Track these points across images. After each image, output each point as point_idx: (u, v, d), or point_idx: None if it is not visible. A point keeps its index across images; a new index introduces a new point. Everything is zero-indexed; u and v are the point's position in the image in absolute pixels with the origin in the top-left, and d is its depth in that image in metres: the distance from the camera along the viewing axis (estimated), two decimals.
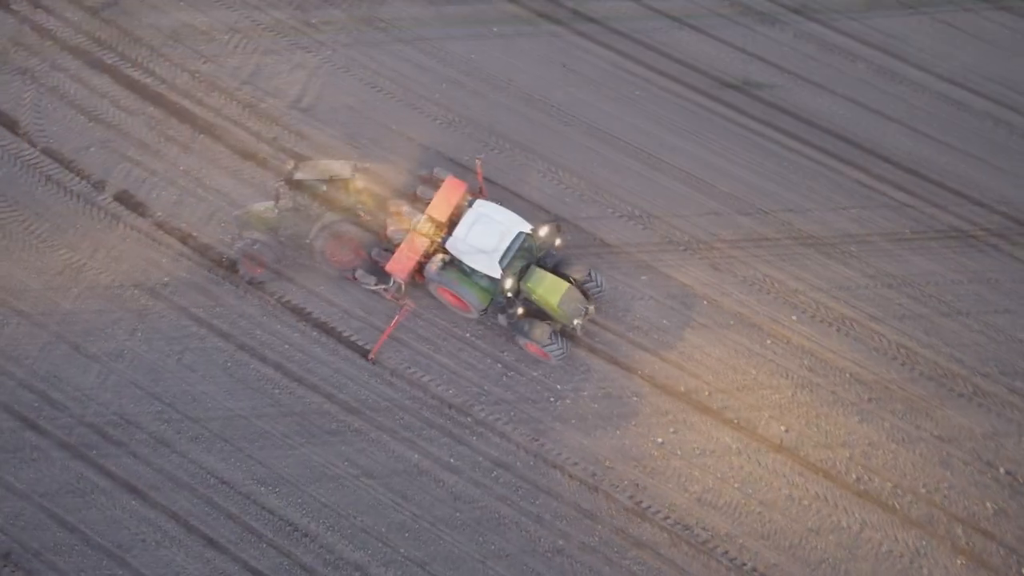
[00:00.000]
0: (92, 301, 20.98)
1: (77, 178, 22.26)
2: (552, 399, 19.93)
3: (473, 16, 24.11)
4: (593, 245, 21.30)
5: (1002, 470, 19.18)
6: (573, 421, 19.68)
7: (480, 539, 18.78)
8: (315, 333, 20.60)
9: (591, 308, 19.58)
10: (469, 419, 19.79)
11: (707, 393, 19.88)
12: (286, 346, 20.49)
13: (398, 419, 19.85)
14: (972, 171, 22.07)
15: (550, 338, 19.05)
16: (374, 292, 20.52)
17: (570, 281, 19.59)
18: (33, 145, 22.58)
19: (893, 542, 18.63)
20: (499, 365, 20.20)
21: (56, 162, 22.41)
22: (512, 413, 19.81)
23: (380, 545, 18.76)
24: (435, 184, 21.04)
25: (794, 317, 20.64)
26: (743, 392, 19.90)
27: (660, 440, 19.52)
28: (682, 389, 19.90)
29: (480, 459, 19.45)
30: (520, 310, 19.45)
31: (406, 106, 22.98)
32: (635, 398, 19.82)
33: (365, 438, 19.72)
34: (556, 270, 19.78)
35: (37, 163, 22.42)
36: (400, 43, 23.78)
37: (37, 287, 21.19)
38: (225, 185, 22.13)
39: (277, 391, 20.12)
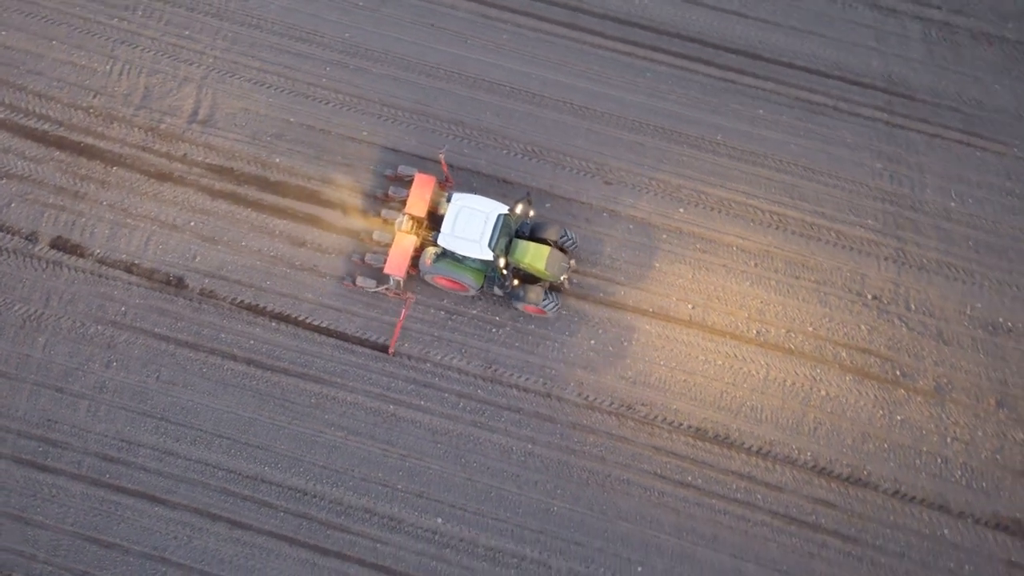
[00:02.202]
0: (60, 346, 22.67)
1: (8, 235, 23.41)
2: (494, 330, 22.87)
3: None
4: (496, 185, 23.77)
5: (869, 296, 23.17)
6: (517, 344, 22.73)
7: (463, 461, 22.02)
8: (274, 324, 22.87)
9: (572, 262, 22.27)
10: (428, 364, 22.64)
11: (622, 293, 23.10)
12: (251, 341, 22.74)
13: (366, 380, 22.56)
14: (807, 45, 25.05)
15: (544, 297, 21.71)
16: (376, 293, 22.59)
17: (548, 243, 22.10)
18: None
19: (794, 376, 22.60)
20: (442, 312, 22.94)
21: None
22: (463, 350, 22.72)
23: (380, 488, 21.85)
24: (404, 182, 22.99)
25: (681, 210, 23.78)
26: (651, 284, 23.19)
27: (592, 341, 22.80)
28: (600, 295, 23.06)
29: (445, 395, 22.45)
30: (515, 281, 21.97)
31: (297, 96, 24.53)
32: (563, 311, 22.90)
33: (342, 403, 22.43)
34: (533, 236, 22.25)
35: None
36: (275, 36, 25.01)
37: (4, 345, 22.70)
38: (151, 210, 23.64)
39: (254, 382, 22.51)
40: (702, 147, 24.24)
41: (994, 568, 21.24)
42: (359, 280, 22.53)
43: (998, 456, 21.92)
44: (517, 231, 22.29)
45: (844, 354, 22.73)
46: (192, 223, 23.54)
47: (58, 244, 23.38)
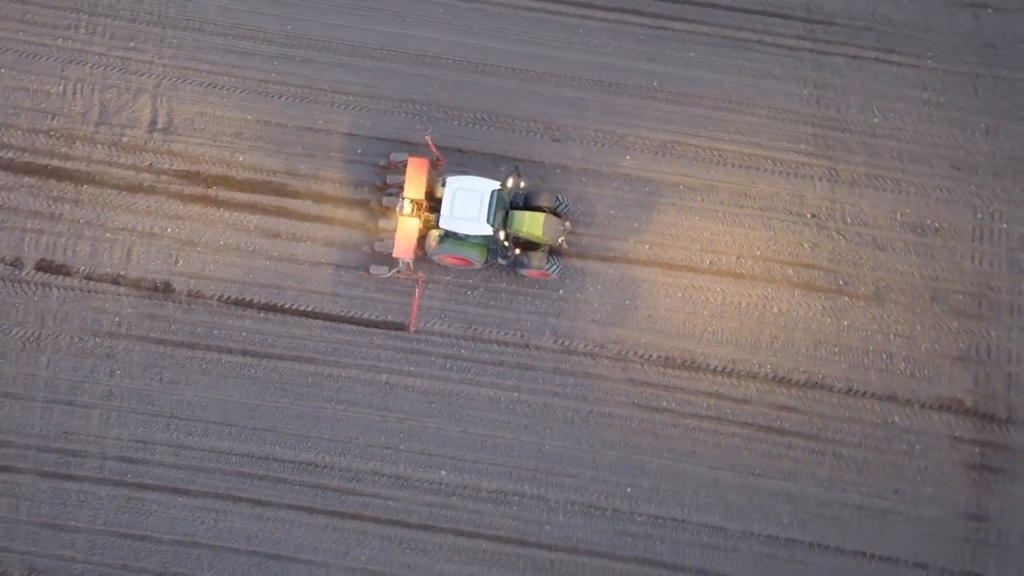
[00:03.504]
0: (63, 362, 23.92)
1: None
2: (468, 292, 24.50)
3: None
4: (452, 155, 25.06)
5: (808, 215, 25.07)
6: (492, 303, 24.41)
7: (456, 416, 23.91)
8: (262, 314, 24.28)
9: (567, 224, 23.77)
10: (412, 332, 24.29)
11: (583, 242, 24.76)
12: (243, 333, 24.17)
13: (357, 354, 24.18)
14: None
15: (547, 261, 23.29)
16: (389, 278, 23.87)
17: (543, 210, 23.54)
18: None
19: (748, 298, 24.61)
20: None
21: None
22: (443, 315, 24.37)
23: (385, 451, 23.72)
24: (398, 168, 24.13)
25: (628, 157, 25.30)
26: (608, 229, 24.85)
27: (560, 291, 24.54)
28: (565, 246, 24.67)
29: (433, 359, 24.17)
30: (517, 250, 23.44)
31: (250, 93, 25.40)
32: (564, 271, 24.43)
33: (337, 379, 24.08)
34: (528, 205, 23.69)
35: None
36: (220, 36, 25.69)
37: (8, 369, 23.91)
38: (127, 222, 24.66)
39: (252, 371, 24.03)
40: (640, 95, 25.63)
41: (940, 444, 23.80)
42: (372, 269, 23.86)
43: (936, 346, 24.28)
44: (512, 203, 23.70)
45: (791, 272, 24.73)
46: (169, 229, 24.63)
47: (43, 266, 24.40)
